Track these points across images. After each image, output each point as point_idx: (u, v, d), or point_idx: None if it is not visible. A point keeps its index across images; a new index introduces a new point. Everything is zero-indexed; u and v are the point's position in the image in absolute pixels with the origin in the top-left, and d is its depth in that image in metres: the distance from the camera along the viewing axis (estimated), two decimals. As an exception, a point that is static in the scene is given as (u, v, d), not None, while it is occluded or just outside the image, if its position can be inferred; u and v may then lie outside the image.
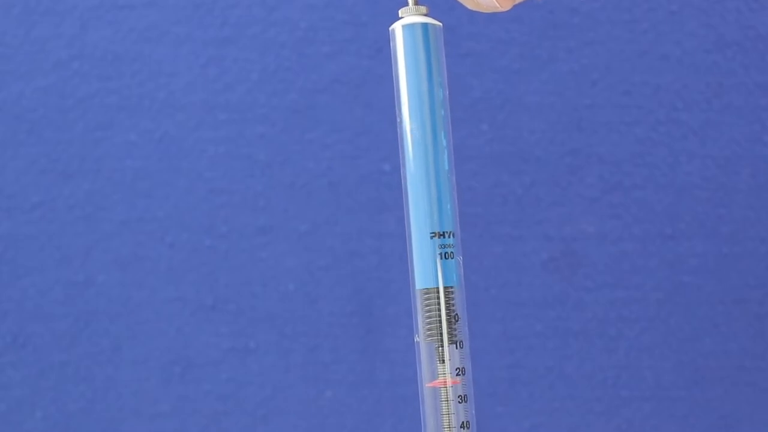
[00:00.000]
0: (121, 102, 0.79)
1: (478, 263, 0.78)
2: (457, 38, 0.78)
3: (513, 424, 0.79)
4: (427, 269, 0.43)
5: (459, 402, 0.42)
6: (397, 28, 0.43)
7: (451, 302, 0.42)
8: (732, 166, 0.78)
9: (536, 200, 0.78)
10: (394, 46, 0.43)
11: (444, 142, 0.43)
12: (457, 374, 0.42)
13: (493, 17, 0.78)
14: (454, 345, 0.42)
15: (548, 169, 0.78)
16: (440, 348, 0.42)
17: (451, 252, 0.43)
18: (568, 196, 0.78)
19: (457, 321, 0.42)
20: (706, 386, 0.78)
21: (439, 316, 0.42)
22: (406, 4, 0.43)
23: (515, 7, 0.44)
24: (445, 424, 0.42)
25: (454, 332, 0.42)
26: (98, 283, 0.79)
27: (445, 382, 0.42)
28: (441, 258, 0.43)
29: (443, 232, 0.43)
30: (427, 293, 0.43)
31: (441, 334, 0.42)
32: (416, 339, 0.43)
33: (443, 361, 0.42)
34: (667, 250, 0.78)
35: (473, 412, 0.43)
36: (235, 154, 0.79)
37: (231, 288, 0.79)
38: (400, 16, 0.43)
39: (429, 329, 0.42)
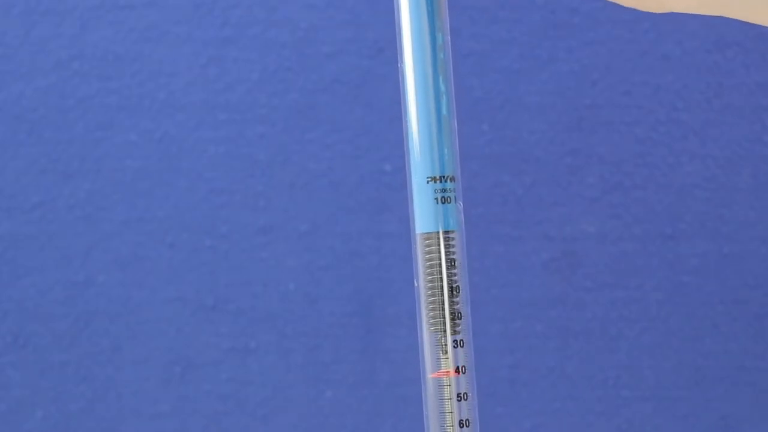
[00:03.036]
0: (121, 102, 0.79)
1: (479, 263, 0.78)
2: (457, 38, 0.78)
3: (513, 424, 0.79)
4: (426, 213, 0.43)
5: (459, 400, 0.43)
6: None
7: (451, 246, 0.43)
8: (733, 166, 0.78)
9: (536, 200, 0.78)
10: None
11: (442, 87, 0.43)
12: (458, 372, 0.42)
13: (494, 17, 0.78)
14: (456, 341, 0.42)
15: (548, 169, 0.78)
16: (443, 338, 0.43)
17: (450, 197, 0.43)
18: (569, 196, 0.78)
19: (456, 266, 0.43)
20: (706, 386, 0.78)
21: (440, 259, 0.43)
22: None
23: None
24: (448, 422, 0.42)
25: (453, 277, 0.43)
26: (98, 283, 0.79)
27: (449, 372, 0.42)
28: (439, 202, 0.43)
29: (441, 176, 0.43)
30: (427, 237, 0.43)
31: (441, 279, 0.42)
32: (415, 284, 0.43)
33: (446, 353, 0.42)
34: (667, 250, 0.78)
35: (476, 409, 0.43)
36: (236, 154, 0.79)
37: (231, 288, 0.79)
38: None
39: (429, 273, 0.43)
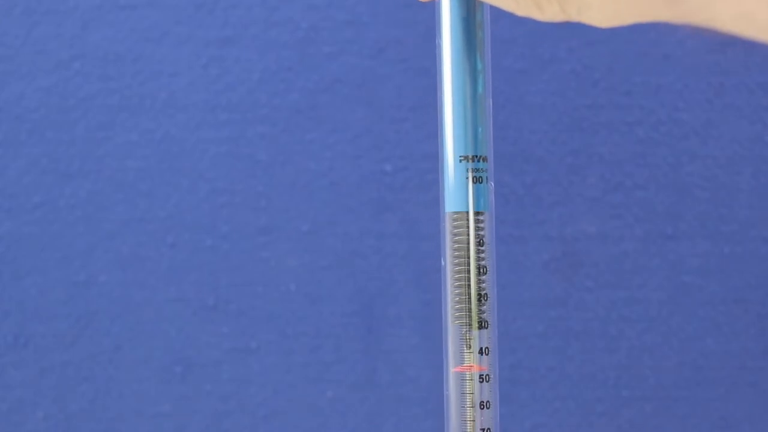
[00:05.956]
0: (122, 102, 0.79)
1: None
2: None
3: (514, 424, 0.79)
4: (457, 193, 0.42)
5: (481, 381, 0.42)
6: None
7: (480, 223, 0.42)
8: (733, 166, 0.78)
9: (538, 200, 0.78)
10: None
11: (479, 65, 0.42)
12: (482, 353, 0.42)
13: (495, 17, 0.78)
14: (481, 325, 0.42)
15: (550, 169, 0.78)
16: (467, 332, 0.42)
17: (482, 177, 0.42)
18: (570, 196, 0.78)
19: (484, 245, 0.42)
20: (707, 386, 0.78)
21: (468, 239, 0.42)
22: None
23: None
24: (468, 403, 0.42)
25: (481, 254, 0.42)
26: (99, 283, 0.79)
27: (471, 367, 0.42)
28: (472, 182, 0.42)
29: (474, 156, 0.42)
30: (456, 217, 0.42)
31: (468, 259, 0.42)
32: (442, 263, 0.42)
33: (470, 347, 0.42)
34: (668, 250, 0.78)
35: (496, 392, 0.42)
36: (237, 154, 0.79)
37: (232, 288, 0.79)
38: None
39: (457, 250, 0.42)
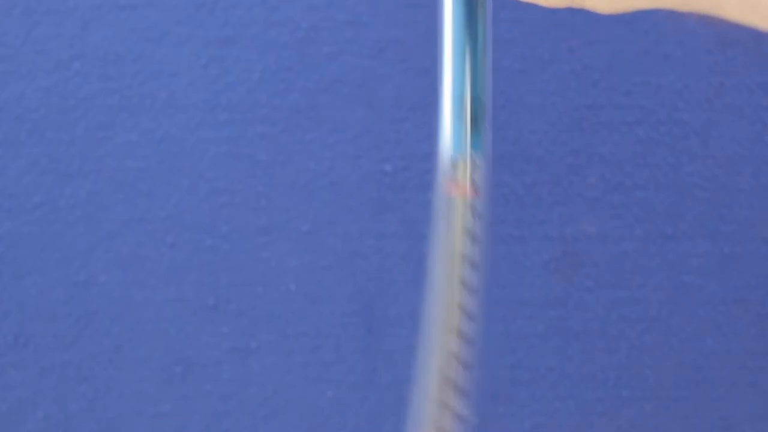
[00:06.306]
0: (122, 102, 0.79)
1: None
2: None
3: (514, 424, 0.79)
4: (454, 136, 0.43)
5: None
6: None
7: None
8: (733, 166, 0.78)
9: (538, 200, 0.78)
10: None
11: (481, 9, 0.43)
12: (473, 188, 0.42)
13: (494, 17, 0.78)
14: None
15: (550, 169, 0.78)
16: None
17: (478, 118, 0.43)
18: (570, 196, 0.78)
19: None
20: (707, 386, 0.78)
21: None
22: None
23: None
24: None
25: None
26: (100, 283, 0.79)
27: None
28: (471, 126, 0.42)
29: (473, 97, 0.43)
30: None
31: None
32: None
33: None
34: (668, 250, 0.78)
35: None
36: (237, 154, 0.79)
37: (232, 288, 0.79)
38: None
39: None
